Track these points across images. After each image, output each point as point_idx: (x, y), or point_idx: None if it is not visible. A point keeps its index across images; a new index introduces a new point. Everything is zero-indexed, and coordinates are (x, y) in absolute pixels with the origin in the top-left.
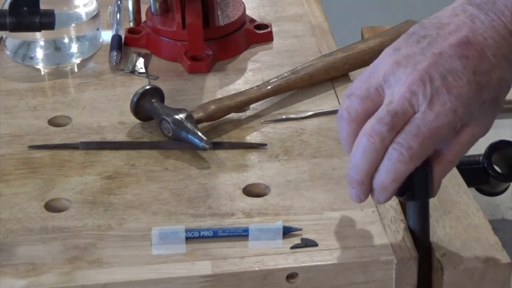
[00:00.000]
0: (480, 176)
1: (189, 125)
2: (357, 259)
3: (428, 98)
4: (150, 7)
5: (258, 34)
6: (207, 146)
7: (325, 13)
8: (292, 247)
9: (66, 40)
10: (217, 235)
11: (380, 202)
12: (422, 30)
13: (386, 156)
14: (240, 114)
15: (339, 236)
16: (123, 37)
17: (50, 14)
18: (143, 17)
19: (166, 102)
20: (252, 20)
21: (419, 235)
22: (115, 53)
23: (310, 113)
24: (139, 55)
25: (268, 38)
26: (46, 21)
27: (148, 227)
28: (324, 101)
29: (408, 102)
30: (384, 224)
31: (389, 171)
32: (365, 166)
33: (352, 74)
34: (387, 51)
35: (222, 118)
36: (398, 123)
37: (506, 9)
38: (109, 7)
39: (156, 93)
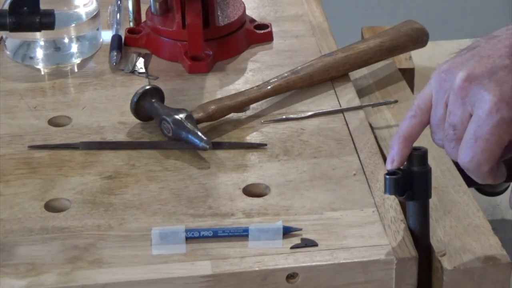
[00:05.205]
0: None
1: (189, 125)
2: (357, 259)
3: (478, 98)
4: (150, 7)
5: (258, 34)
6: (207, 146)
7: (325, 13)
8: (292, 247)
9: (66, 40)
10: (217, 235)
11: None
12: (473, 43)
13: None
14: (240, 114)
15: (339, 236)
16: (123, 37)
17: (50, 14)
18: (143, 17)
19: (166, 102)
20: (252, 20)
21: (419, 235)
22: (115, 53)
23: (310, 113)
24: (139, 55)
25: (268, 38)
26: (46, 21)
27: (148, 227)
28: (324, 101)
29: (462, 109)
30: (384, 224)
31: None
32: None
33: (352, 74)
34: (439, 65)
35: (222, 118)
36: (460, 133)
37: None
38: (109, 7)
39: (156, 93)
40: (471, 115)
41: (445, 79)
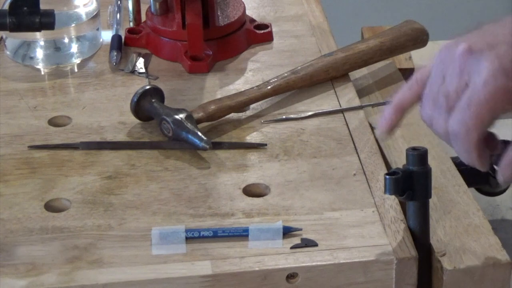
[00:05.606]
0: (480, 176)
1: (189, 125)
2: (357, 259)
3: (476, 67)
4: (150, 7)
5: (258, 34)
6: (207, 146)
7: (325, 13)
8: (292, 247)
9: (66, 40)
10: (217, 235)
11: None
12: (477, 26)
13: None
14: (240, 114)
15: (339, 236)
16: (123, 37)
17: (50, 14)
18: (143, 17)
19: (166, 102)
20: (252, 20)
21: (419, 235)
22: (115, 53)
23: (310, 113)
24: (139, 55)
25: (268, 38)
26: (46, 21)
27: (148, 227)
28: (324, 101)
29: (459, 78)
30: (384, 224)
31: (460, 149)
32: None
33: (352, 74)
34: (442, 44)
35: (222, 118)
36: (451, 103)
37: None
38: (109, 7)
39: (156, 93)
40: (467, 85)
41: (446, 54)
